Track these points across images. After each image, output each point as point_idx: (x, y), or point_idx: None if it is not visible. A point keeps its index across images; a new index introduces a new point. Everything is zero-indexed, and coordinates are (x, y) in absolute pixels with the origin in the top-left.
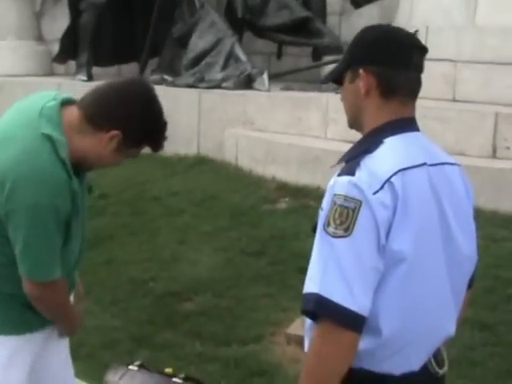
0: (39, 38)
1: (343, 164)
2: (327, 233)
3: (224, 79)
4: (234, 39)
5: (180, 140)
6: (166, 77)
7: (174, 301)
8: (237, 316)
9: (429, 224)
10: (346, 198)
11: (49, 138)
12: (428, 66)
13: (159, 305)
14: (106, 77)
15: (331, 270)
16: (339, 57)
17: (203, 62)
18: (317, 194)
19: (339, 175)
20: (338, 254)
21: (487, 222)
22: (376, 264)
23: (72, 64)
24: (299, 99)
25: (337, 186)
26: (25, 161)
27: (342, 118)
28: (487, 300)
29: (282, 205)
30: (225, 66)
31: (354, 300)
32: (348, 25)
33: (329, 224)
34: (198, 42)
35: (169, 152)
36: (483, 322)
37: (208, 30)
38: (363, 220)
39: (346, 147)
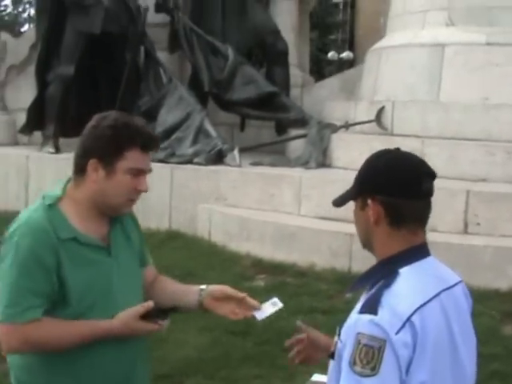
0: (3, 107)
1: (356, 288)
2: (354, 372)
3: (195, 154)
4: (204, 114)
5: (152, 215)
6: None
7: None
8: None
9: (441, 351)
10: (370, 337)
11: (42, 197)
12: (395, 141)
13: None
14: (72, 148)
15: None
16: (305, 131)
17: (173, 137)
18: (293, 271)
19: (361, 313)
20: None
21: None
22: None
23: (36, 134)
24: (271, 176)
25: (360, 324)
26: (24, 216)
27: (315, 195)
28: None
29: (260, 282)
30: (195, 141)
31: None
32: (310, 97)
33: (355, 363)
34: (167, 117)
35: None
36: None
37: (177, 105)
38: (387, 359)
39: (321, 224)
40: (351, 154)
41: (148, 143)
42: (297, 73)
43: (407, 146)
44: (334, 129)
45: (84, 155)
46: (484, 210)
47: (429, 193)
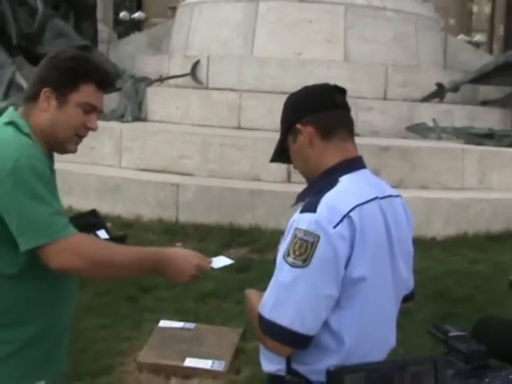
0: None
1: (301, 203)
2: (286, 261)
3: (7, 108)
4: (14, 67)
5: None
6: None
7: None
8: (80, 348)
9: (381, 250)
10: (305, 232)
11: (10, 123)
12: (211, 94)
13: None
14: None
15: (284, 296)
16: (118, 85)
17: None
18: (119, 223)
19: (302, 212)
20: (294, 281)
21: None
22: (330, 292)
23: None
24: None
25: (299, 221)
26: (10, 144)
27: (136, 147)
28: None
29: None
30: (6, 95)
31: (303, 323)
32: (115, 52)
33: (289, 254)
34: None
35: None
36: None
37: None
38: (321, 253)
39: (145, 175)
40: (167, 107)
41: (105, 81)
42: (103, 28)
43: (225, 99)
44: (149, 82)
45: (39, 83)
46: None
47: (344, 104)
